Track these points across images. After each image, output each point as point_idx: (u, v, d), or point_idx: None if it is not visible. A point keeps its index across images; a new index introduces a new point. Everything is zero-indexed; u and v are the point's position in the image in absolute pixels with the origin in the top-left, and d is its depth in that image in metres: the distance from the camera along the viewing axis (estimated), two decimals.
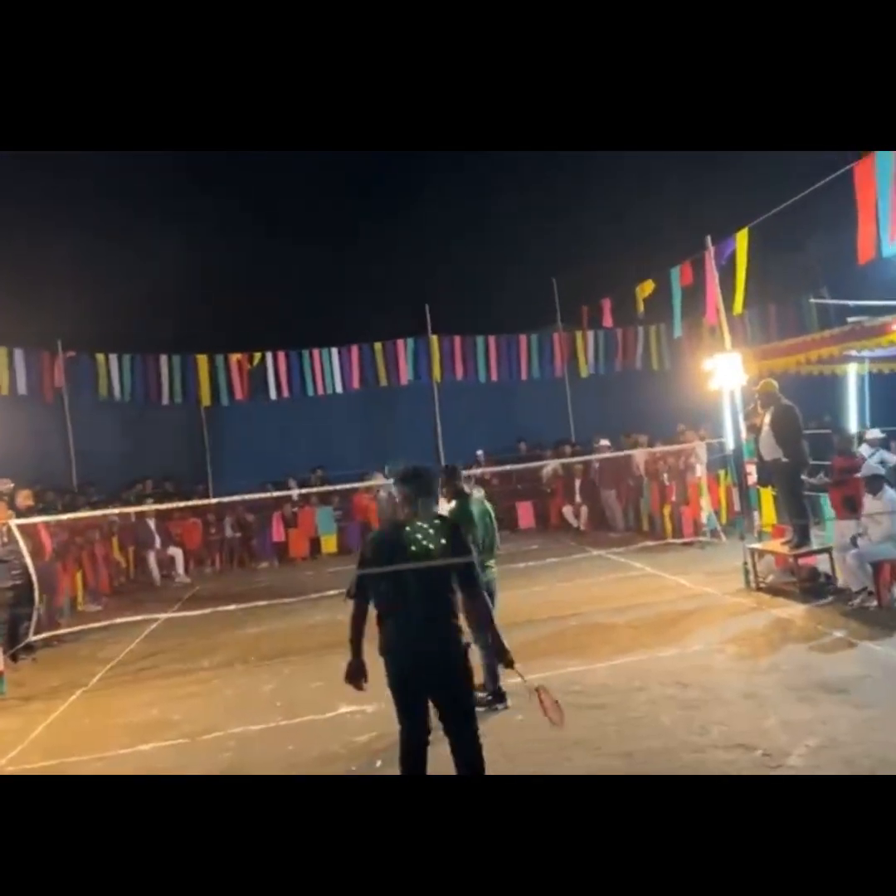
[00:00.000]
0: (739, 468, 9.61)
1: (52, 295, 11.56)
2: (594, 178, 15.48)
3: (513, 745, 4.72)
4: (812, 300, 12.91)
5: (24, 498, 9.18)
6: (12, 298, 10.41)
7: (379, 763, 4.73)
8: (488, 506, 5.97)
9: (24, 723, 6.28)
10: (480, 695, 5.05)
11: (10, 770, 5.25)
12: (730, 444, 9.92)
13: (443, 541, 3.52)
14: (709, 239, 9.17)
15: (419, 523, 3.58)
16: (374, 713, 5.32)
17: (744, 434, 8.77)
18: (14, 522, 8.22)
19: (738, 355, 8.70)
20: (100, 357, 13.54)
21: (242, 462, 14.50)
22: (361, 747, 5.07)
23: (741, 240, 9.15)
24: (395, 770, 3.69)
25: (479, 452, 14.85)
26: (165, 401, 14.06)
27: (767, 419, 8.04)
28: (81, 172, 13.16)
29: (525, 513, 14.62)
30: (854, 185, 6.72)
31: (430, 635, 3.47)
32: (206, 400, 14.35)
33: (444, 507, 5.30)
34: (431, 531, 3.55)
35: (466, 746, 3.53)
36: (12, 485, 9.51)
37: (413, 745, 3.58)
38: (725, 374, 8.61)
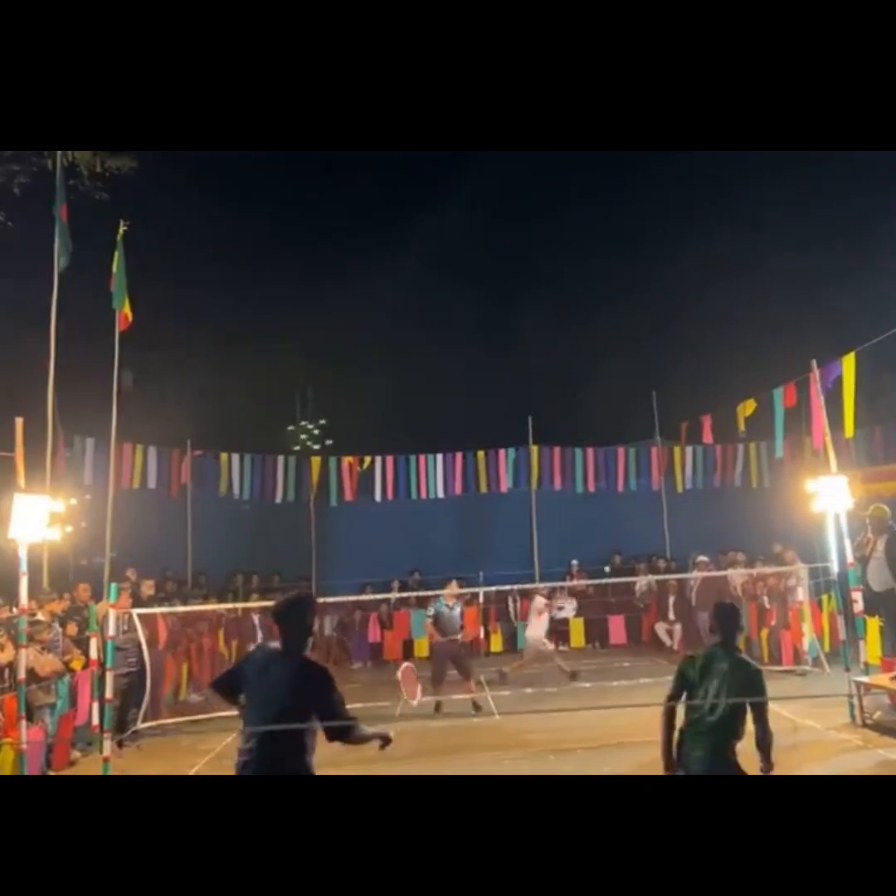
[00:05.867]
0: (845, 595, 9.31)
1: (185, 402, 12.79)
2: (698, 297, 15.94)
3: None
4: None
5: (148, 587, 9.88)
6: (153, 405, 11.63)
7: None
8: None
9: None
10: None
11: None
12: (834, 569, 9.63)
13: (737, 676, 4.17)
14: (814, 362, 9.17)
15: (722, 654, 4.26)
16: None
17: (850, 559, 8.55)
18: (136, 611, 8.79)
19: (845, 478, 8.59)
20: (223, 456, 14.61)
21: (344, 561, 14.95)
22: None
23: (848, 364, 9.16)
24: None
25: (574, 562, 14.85)
26: (279, 499, 14.87)
27: (880, 546, 7.82)
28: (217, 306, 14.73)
29: (616, 627, 14.34)
30: None
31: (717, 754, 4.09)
32: (315, 499, 15.07)
33: None
34: (729, 666, 4.20)
35: None
36: (134, 576, 10.28)
37: None
38: (831, 497, 8.50)
